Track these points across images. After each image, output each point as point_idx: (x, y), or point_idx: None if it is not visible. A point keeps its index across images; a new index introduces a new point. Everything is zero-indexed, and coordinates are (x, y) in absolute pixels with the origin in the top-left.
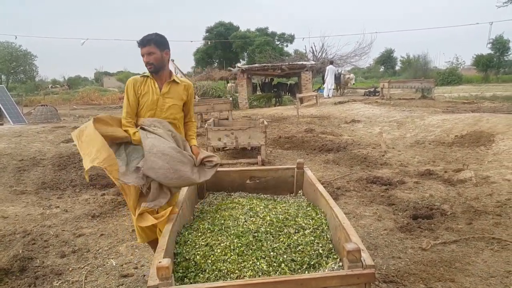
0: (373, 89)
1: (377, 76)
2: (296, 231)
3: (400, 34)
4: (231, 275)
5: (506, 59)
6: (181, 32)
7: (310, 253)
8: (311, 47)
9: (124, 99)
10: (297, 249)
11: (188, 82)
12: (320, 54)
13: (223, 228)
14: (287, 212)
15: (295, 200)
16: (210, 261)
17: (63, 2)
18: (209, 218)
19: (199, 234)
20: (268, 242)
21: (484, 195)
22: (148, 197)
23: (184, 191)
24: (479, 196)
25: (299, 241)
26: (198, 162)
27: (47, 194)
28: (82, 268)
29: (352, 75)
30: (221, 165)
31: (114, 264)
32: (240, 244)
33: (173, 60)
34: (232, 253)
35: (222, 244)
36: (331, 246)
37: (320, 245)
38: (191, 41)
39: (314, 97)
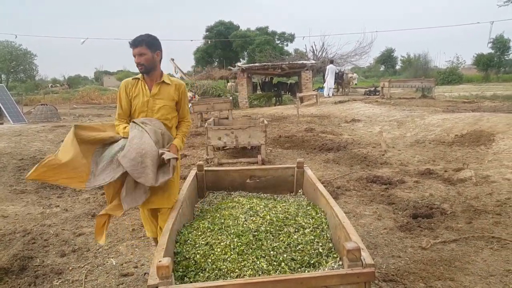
0: (373, 88)
1: (377, 75)
2: (296, 230)
3: (400, 34)
4: (231, 274)
5: (506, 58)
6: (181, 32)
7: (310, 252)
8: (312, 46)
9: (117, 101)
10: (297, 248)
11: (179, 81)
12: (320, 53)
13: (223, 227)
14: (287, 211)
15: (295, 199)
16: (210, 260)
17: (63, 2)
18: (209, 217)
19: (199, 233)
20: (268, 241)
21: (484, 194)
22: (122, 192)
23: (184, 190)
24: (479, 195)
25: (299, 240)
26: (160, 160)
27: (47, 193)
28: (82, 267)
29: (355, 75)
30: (221, 164)
31: (114, 263)
32: (240, 243)
33: (173, 59)
34: (232, 252)
35: (222, 243)
36: (331, 245)
37: (320, 244)
38: (191, 40)
39: (314, 97)
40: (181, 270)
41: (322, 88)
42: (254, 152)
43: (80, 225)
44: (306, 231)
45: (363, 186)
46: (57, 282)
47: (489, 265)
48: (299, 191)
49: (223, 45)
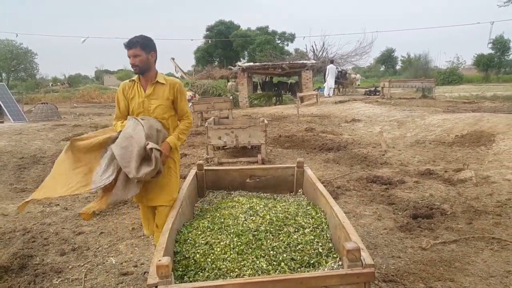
0: (374, 88)
1: (377, 75)
2: (296, 230)
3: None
4: (231, 273)
5: (506, 59)
6: (181, 32)
7: (310, 252)
8: (312, 46)
9: (115, 104)
10: (297, 248)
11: (174, 80)
12: (320, 53)
13: (223, 226)
14: (287, 211)
15: (295, 199)
16: (209, 260)
17: (63, 2)
18: (209, 217)
19: (199, 232)
20: (268, 241)
21: (484, 195)
22: (117, 186)
23: (184, 190)
24: (479, 196)
25: (299, 240)
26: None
27: None
28: (82, 266)
29: (358, 75)
30: (221, 163)
31: (114, 262)
32: (240, 243)
33: (173, 59)
34: (231, 252)
35: (222, 243)
36: (330, 245)
37: (320, 244)
38: (192, 40)
39: (315, 96)
40: (180, 269)
41: (323, 88)
42: (254, 151)
43: (80, 224)
44: (306, 231)
45: (363, 186)
46: (56, 280)
47: (489, 266)
48: (299, 191)
49: (224, 45)
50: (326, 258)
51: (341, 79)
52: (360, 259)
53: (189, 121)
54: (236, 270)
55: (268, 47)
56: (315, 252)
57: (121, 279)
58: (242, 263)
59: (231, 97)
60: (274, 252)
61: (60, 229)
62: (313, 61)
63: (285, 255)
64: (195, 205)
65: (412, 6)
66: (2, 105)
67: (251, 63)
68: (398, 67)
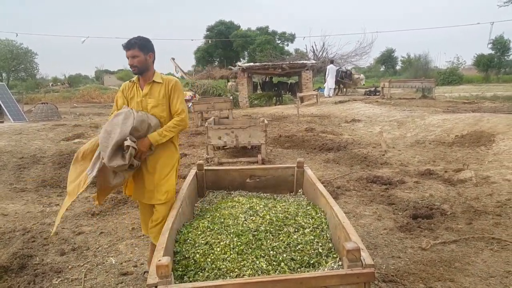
0: (374, 88)
1: (377, 75)
2: (296, 230)
3: (400, 34)
4: (231, 273)
5: (506, 59)
6: (181, 32)
7: (310, 252)
8: (312, 46)
9: (114, 101)
10: (297, 248)
11: (170, 78)
12: (320, 53)
13: (222, 226)
14: (287, 211)
15: (295, 199)
16: (209, 260)
17: (63, 2)
18: (209, 217)
19: (199, 232)
20: (268, 241)
21: (484, 195)
22: (105, 174)
23: (184, 190)
24: (479, 196)
25: (299, 240)
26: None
27: (47, 192)
28: (82, 266)
29: (362, 75)
30: (221, 163)
31: (113, 262)
32: (239, 243)
33: (174, 59)
34: (231, 252)
35: (221, 243)
36: (330, 245)
37: (320, 244)
38: (192, 40)
39: (315, 96)
40: (180, 269)
41: (323, 88)
42: (254, 151)
43: (79, 224)
44: (306, 231)
45: (363, 186)
46: (56, 280)
47: (489, 266)
48: (299, 191)
49: (224, 45)
50: (326, 258)
51: (346, 79)
52: (360, 259)
53: (179, 119)
54: (236, 270)
55: (268, 47)
56: (315, 252)
57: (121, 279)
58: (242, 263)
59: (231, 97)
60: (274, 252)
61: (60, 229)
62: (313, 61)
63: (285, 255)
64: (195, 205)
65: (412, 6)
66: (2, 105)
67: (251, 63)
68: (398, 67)
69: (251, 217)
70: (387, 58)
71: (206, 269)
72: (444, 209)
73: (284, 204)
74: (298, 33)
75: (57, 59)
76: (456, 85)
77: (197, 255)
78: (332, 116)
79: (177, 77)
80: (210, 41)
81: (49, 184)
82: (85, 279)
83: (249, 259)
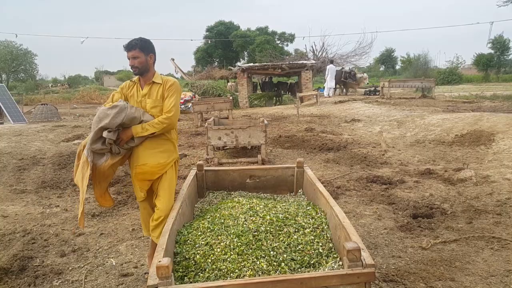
0: (373, 88)
1: (377, 75)
2: (296, 230)
3: (400, 34)
4: (231, 274)
5: (506, 58)
6: (181, 33)
7: (310, 252)
8: (312, 46)
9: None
10: (297, 248)
11: (169, 78)
12: (320, 53)
13: (223, 227)
14: (287, 211)
15: (295, 199)
16: (210, 261)
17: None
18: (209, 217)
19: (199, 233)
20: (268, 241)
21: (484, 194)
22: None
23: (184, 190)
24: (479, 195)
25: (299, 240)
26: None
27: (47, 193)
28: (82, 267)
29: (365, 75)
30: (221, 164)
31: (114, 263)
32: (240, 244)
33: (173, 59)
34: (232, 253)
35: (222, 244)
36: (331, 245)
37: (320, 244)
38: (191, 40)
39: (314, 96)
40: (181, 270)
41: (322, 88)
42: (254, 152)
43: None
44: (306, 231)
45: (363, 186)
46: (57, 282)
47: (490, 265)
48: (299, 191)
49: (223, 45)
50: (326, 258)
51: (350, 79)
52: (361, 259)
53: (166, 117)
54: (237, 270)
55: (267, 47)
56: (315, 252)
57: (121, 280)
58: (242, 264)
59: (231, 98)
60: (274, 253)
61: (60, 231)
62: (313, 61)
63: (285, 255)
64: (195, 205)
65: (412, 5)
66: (1, 106)
67: (251, 64)
68: (397, 67)
69: (251, 218)
70: (387, 58)
71: (207, 269)
72: (444, 208)
73: (284, 204)
74: (298, 33)
75: (56, 60)
76: (456, 84)
77: (198, 256)
78: (332, 116)
79: (177, 78)
80: (209, 42)
81: (49, 186)
82: (85, 280)
83: (249, 259)
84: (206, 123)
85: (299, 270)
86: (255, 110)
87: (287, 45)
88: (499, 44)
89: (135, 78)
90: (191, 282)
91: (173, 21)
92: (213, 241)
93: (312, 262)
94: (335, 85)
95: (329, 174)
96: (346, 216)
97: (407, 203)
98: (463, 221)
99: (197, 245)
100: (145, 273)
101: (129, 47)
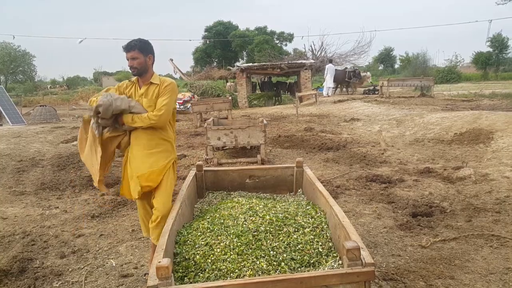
0: (373, 87)
1: (376, 74)
2: (296, 230)
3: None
4: (231, 274)
5: (505, 56)
6: (179, 33)
7: (310, 251)
8: (310, 46)
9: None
10: (297, 248)
11: (166, 79)
12: (319, 52)
13: (222, 227)
14: (287, 211)
15: (295, 199)
16: (210, 261)
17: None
18: (208, 218)
19: (199, 233)
20: (268, 241)
21: (483, 192)
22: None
23: (183, 190)
24: (478, 193)
25: (299, 240)
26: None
27: (47, 195)
28: (82, 268)
29: (368, 73)
30: (221, 164)
31: (114, 264)
32: (239, 244)
33: (172, 60)
34: (231, 253)
35: (221, 244)
36: (330, 244)
37: (320, 243)
38: (190, 40)
39: (314, 96)
40: (181, 270)
41: (321, 87)
42: (253, 152)
43: (79, 226)
44: (305, 230)
45: (362, 185)
46: (56, 283)
47: (489, 263)
48: (299, 190)
49: (222, 45)
50: (326, 257)
51: (354, 78)
52: (360, 258)
53: (154, 114)
54: (236, 270)
55: (266, 47)
56: (315, 252)
57: (121, 281)
58: (242, 264)
59: (230, 98)
60: (274, 252)
61: (59, 232)
62: (312, 61)
63: (285, 255)
64: (195, 206)
65: (412, 5)
66: (0, 108)
67: (250, 64)
68: (396, 66)
69: (251, 218)
70: (386, 57)
71: (207, 270)
72: (444, 207)
73: (283, 204)
74: (297, 33)
75: (55, 61)
76: (455, 83)
77: (197, 256)
78: (331, 115)
79: (176, 78)
80: (208, 42)
81: (49, 187)
82: (85, 281)
83: (249, 259)
84: (205, 124)
85: (299, 269)
86: (254, 110)
87: (286, 45)
88: (497, 42)
89: (134, 78)
90: (191, 283)
91: (173, 21)
92: (213, 241)
93: (312, 261)
94: (338, 84)
95: (329, 174)
96: (345, 215)
97: (407, 201)
98: (462, 219)
99: (197, 246)
100: (145, 274)
101: (128, 48)
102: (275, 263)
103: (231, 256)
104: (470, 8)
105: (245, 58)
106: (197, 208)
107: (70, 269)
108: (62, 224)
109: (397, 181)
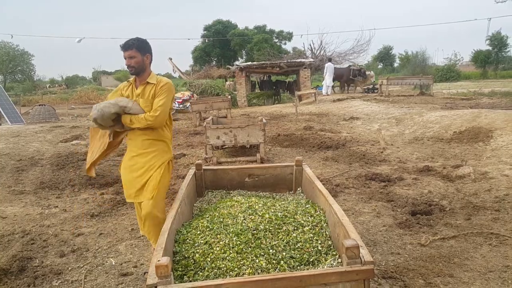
0: (372, 86)
1: (375, 73)
2: (295, 228)
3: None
4: (231, 272)
5: (504, 55)
6: (179, 32)
7: (309, 250)
8: (310, 45)
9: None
10: (296, 246)
11: (163, 79)
12: (318, 51)
13: (222, 226)
14: (286, 210)
15: (294, 198)
16: (209, 259)
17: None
18: (208, 216)
19: (198, 232)
20: (267, 240)
21: (483, 190)
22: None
23: (183, 189)
24: (478, 191)
25: (298, 238)
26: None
27: (46, 194)
28: (82, 267)
29: (372, 72)
30: (220, 163)
31: (113, 263)
32: (239, 242)
33: (171, 59)
34: (231, 251)
35: (221, 242)
36: (330, 243)
37: (319, 242)
38: (189, 39)
39: (313, 95)
40: (180, 269)
41: (321, 86)
42: (253, 150)
43: (79, 225)
44: (305, 229)
45: (362, 183)
46: (56, 282)
47: (488, 261)
48: (298, 189)
49: (221, 44)
50: (325, 256)
51: (359, 77)
52: (359, 256)
53: (151, 115)
54: (236, 269)
55: (266, 46)
56: (314, 250)
57: (121, 279)
58: (241, 262)
59: (229, 97)
60: (274, 251)
61: (59, 231)
62: (311, 60)
63: (284, 253)
64: (194, 204)
65: (412, 5)
66: None
67: (249, 63)
68: (396, 64)
69: (250, 216)
70: (385, 56)
71: (206, 268)
72: (443, 205)
73: (283, 202)
74: (296, 32)
75: (54, 61)
76: (454, 81)
77: (197, 255)
78: (330, 114)
79: (175, 77)
80: (207, 40)
81: (48, 186)
82: (85, 280)
83: (248, 258)
84: (205, 122)
85: (298, 268)
86: (253, 109)
87: (285, 44)
88: (497, 40)
89: (132, 78)
90: (190, 281)
91: (173, 21)
92: (212, 240)
93: (311, 259)
94: (344, 83)
95: (328, 172)
96: (345, 213)
97: (406, 200)
98: (461, 217)
99: (196, 244)
100: (144, 273)
101: (125, 46)
102: (274, 261)
103: (231, 255)
104: (469, 6)
105: (244, 57)
106: (197, 207)
107: (69, 268)
108: (62, 223)
109: (396, 179)
